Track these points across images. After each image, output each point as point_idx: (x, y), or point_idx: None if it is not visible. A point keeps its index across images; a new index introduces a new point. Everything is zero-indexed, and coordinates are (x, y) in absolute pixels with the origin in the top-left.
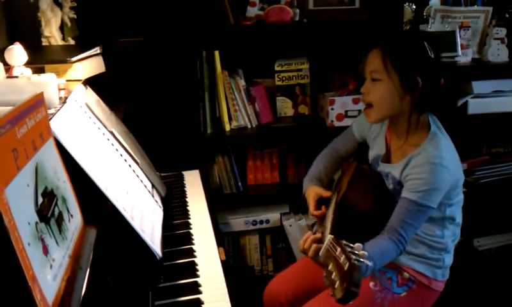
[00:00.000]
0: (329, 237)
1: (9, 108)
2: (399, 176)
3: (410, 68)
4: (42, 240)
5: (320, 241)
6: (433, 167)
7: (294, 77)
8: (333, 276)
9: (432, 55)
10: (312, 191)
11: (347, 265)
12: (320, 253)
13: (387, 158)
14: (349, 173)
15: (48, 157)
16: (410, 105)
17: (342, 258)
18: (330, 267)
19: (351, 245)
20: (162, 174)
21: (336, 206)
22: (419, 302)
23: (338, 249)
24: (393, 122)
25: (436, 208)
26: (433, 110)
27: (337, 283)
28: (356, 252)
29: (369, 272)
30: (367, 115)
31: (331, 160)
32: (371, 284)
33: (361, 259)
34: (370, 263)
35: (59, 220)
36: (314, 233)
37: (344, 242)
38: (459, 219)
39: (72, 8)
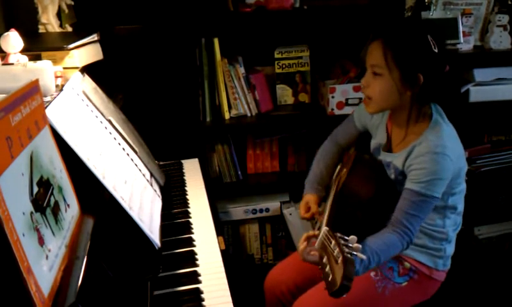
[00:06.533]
0: (324, 229)
1: (3, 95)
2: (401, 165)
3: (412, 65)
4: (37, 230)
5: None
6: (435, 157)
7: (294, 65)
8: (326, 269)
9: (436, 50)
10: (307, 198)
11: (340, 258)
12: (315, 245)
13: (388, 147)
14: (349, 163)
15: (44, 146)
16: (410, 100)
17: (336, 251)
18: (324, 259)
19: (346, 237)
20: (161, 163)
21: (335, 196)
22: (420, 292)
23: (333, 242)
24: (393, 113)
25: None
26: (435, 100)
27: (330, 277)
28: (350, 245)
29: (371, 266)
30: (366, 106)
31: (332, 155)
32: (372, 273)
33: (355, 253)
34: (364, 257)
35: (55, 210)
36: (316, 228)
37: (339, 234)
38: (460, 208)
39: None
